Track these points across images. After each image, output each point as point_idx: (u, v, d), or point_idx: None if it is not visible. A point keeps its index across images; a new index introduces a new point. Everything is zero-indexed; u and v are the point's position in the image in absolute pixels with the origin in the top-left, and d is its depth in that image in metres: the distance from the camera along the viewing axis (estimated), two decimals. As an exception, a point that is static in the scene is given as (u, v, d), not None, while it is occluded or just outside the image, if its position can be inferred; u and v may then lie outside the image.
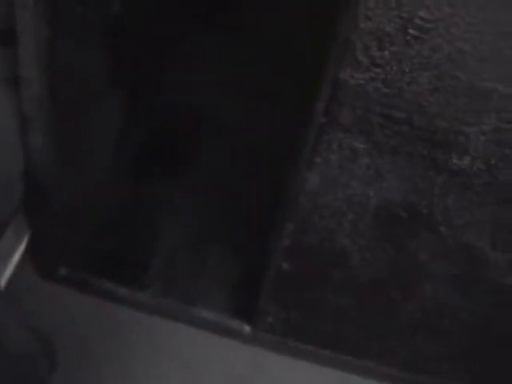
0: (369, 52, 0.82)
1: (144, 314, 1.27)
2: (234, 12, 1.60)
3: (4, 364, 0.86)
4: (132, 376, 1.21)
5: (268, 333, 1.24)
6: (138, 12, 1.15)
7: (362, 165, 0.93)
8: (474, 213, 0.96)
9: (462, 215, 0.97)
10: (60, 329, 1.23)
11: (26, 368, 0.95)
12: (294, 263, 1.09)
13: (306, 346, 1.25)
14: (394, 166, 0.92)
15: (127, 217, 1.33)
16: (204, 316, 1.26)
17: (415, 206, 0.97)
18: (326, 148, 0.91)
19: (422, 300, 1.10)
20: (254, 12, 1.57)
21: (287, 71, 1.51)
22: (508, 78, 0.82)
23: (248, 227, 1.35)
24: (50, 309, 1.29)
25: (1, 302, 0.92)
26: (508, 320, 1.09)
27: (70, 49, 0.99)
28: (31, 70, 0.93)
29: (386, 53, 0.82)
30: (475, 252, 1.01)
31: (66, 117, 1.03)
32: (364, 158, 0.92)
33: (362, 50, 0.82)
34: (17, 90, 0.99)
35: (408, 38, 0.80)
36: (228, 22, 1.60)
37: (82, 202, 1.27)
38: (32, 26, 0.89)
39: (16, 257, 1.27)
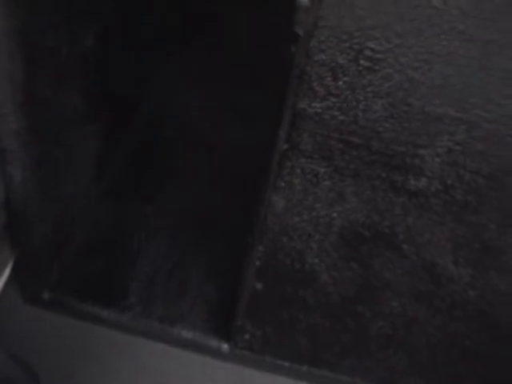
0: (324, 82, 0.86)
1: (126, 335, 1.30)
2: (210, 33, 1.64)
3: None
4: (114, 396, 1.24)
5: (246, 350, 1.27)
6: (112, 42, 1.19)
7: (325, 188, 0.97)
8: (434, 231, 1.00)
9: (424, 234, 1.00)
10: (42, 352, 1.26)
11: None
12: (267, 283, 1.12)
13: (283, 362, 1.28)
14: (356, 188, 0.96)
15: (107, 241, 1.36)
16: (184, 336, 1.29)
17: (378, 225, 1.00)
18: (289, 173, 0.95)
19: (390, 316, 1.13)
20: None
21: (257, 93, 1.54)
22: (457, 102, 0.86)
23: (224, 249, 1.38)
24: (33, 332, 1.32)
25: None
26: (472, 332, 1.13)
27: (45, 83, 1.02)
28: (7, 106, 0.97)
29: (341, 83, 0.86)
30: (438, 268, 1.05)
31: (45, 148, 1.06)
32: (326, 181, 0.96)
33: (317, 80, 0.86)
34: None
35: (360, 68, 0.85)
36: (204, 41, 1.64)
37: (63, 227, 1.30)
38: (6, 63, 0.93)
39: (0, 282, 1.30)
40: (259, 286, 1.13)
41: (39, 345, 1.29)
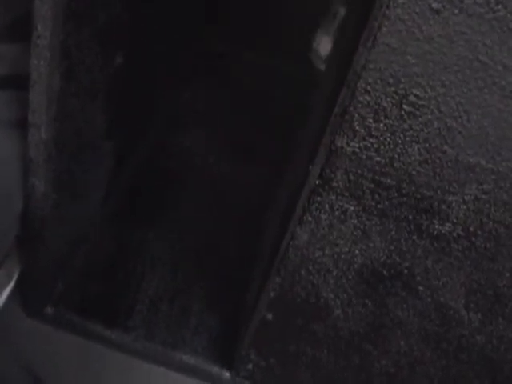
0: (365, 123, 0.86)
1: (127, 356, 1.28)
2: (228, 66, 1.65)
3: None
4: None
5: (248, 380, 1.26)
6: (137, 63, 1.19)
7: (351, 225, 0.97)
8: (451, 275, 1.00)
9: (440, 277, 1.01)
10: (42, 366, 1.24)
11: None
12: (278, 314, 1.12)
13: (284, 394, 1.28)
14: (381, 228, 0.96)
15: (113, 262, 1.35)
16: (185, 361, 1.27)
17: (397, 265, 1.00)
18: (317, 208, 0.95)
19: (396, 355, 1.13)
20: (249, 75, 1.61)
21: (261, 130, 1.55)
22: (490, 154, 0.87)
23: (230, 276, 1.38)
24: (34, 346, 1.30)
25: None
26: (476, 376, 1.13)
27: (77, 98, 1.02)
28: (41, 116, 0.96)
29: (381, 125, 0.86)
30: (450, 311, 1.05)
31: (66, 163, 1.05)
32: (353, 219, 0.96)
33: (358, 120, 0.86)
34: (21, 134, 1.02)
35: (402, 112, 0.85)
36: (222, 74, 1.65)
37: (71, 245, 1.28)
38: (46, 76, 0.92)
39: (4, 295, 1.28)
40: (269, 316, 1.12)
41: (40, 359, 1.27)
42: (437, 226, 0.94)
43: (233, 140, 1.51)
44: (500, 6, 0.76)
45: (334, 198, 0.92)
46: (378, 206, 0.93)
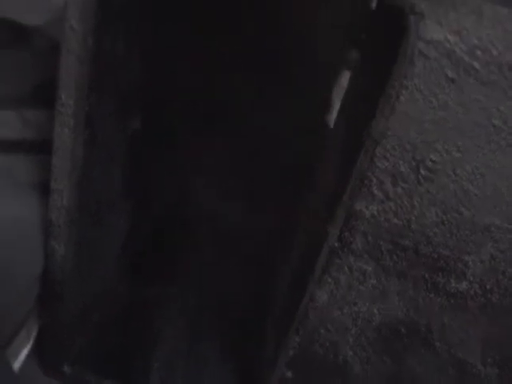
0: (383, 187, 0.88)
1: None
2: (237, 119, 1.66)
3: None
4: None
5: None
6: (152, 127, 1.20)
7: (369, 285, 0.97)
8: (468, 331, 1.01)
9: (458, 333, 1.01)
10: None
11: None
12: (298, 372, 1.12)
13: None
14: (399, 287, 0.97)
15: (129, 318, 1.35)
16: (203, 418, 1.27)
17: (415, 323, 1.01)
18: (336, 270, 0.96)
19: (414, 410, 1.13)
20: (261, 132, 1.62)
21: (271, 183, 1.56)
22: (505, 214, 0.88)
23: (245, 331, 1.38)
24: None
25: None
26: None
27: (99, 163, 1.03)
28: (63, 182, 0.97)
29: (399, 189, 0.88)
30: (467, 367, 1.05)
31: (86, 225, 1.06)
32: (372, 279, 0.96)
33: (377, 185, 0.88)
34: (42, 197, 1.03)
35: (419, 177, 0.86)
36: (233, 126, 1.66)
37: (88, 302, 1.29)
38: (69, 143, 0.94)
39: (23, 354, 1.27)
40: (289, 374, 1.12)
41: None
42: (454, 284, 0.95)
43: (245, 190, 1.52)
44: (513, 74, 0.78)
45: (353, 259, 0.93)
46: (396, 266, 0.94)
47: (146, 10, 0.96)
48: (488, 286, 0.95)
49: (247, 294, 1.44)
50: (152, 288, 1.40)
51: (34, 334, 1.30)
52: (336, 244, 0.94)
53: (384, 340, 1.04)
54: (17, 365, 1.26)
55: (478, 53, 0.76)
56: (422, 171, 0.85)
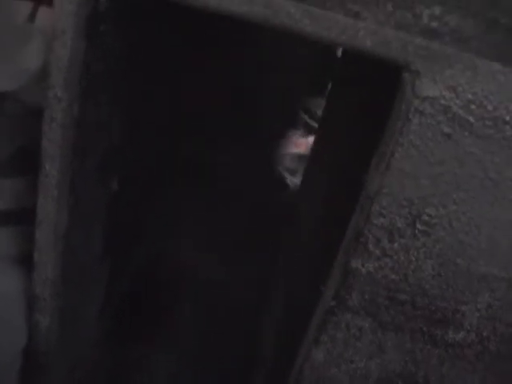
0: (380, 244, 0.86)
1: None
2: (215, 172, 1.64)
3: None
4: None
5: None
6: (130, 187, 1.17)
7: (366, 341, 0.95)
8: (466, 379, 0.99)
9: (456, 382, 1.00)
10: None
11: None
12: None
13: None
14: (396, 341, 0.95)
15: (112, 381, 1.30)
16: None
17: (413, 375, 0.99)
18: (333, 327, 0.94)
19: None
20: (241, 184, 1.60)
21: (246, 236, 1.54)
22: (501, 263, 0.88)
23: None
24: None
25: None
26: None
27: (80, 231, 0.99)
28: (47, 254, 0.93)
29: (396, 244, 0.86)
30: (465, 415, 1.04)
31: (69, 294, 1.02)
32: (368, 334, 0.94)
33: (373, 242, 0.86)
34: (24, 270, 0.98)
35: (416, 231, 0.85)
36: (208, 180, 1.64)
37: (71, 368, 1.24)
38: (53, 214, 0.90)
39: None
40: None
41: None
42: (451, 335, 0.94)
43: (223, 243, 1.49)
44: (508, 127, 0.77)
45: (349, 316, 0.91)
46: (394, 320, 0.92)
47: (125, 75, 0.93)
48: (485, 334, 0.94)
49: (232, 351, 1.41)
50: (133, 349, 1.36)
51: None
52: (332, 303, 0.91)
53: (382, 394, 1.02)
54: None
55: (473, 107, 0.76)
56: (419, 226, 0.84)
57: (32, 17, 1.27)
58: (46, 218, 0.88)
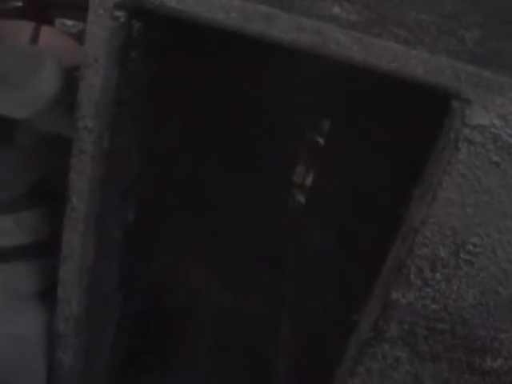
0: (422, 274, 0.83)
1: None
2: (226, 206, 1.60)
3: None
4: None
5: None
6: (145, 218, 1.13)
7: (403, 371, 0.92)
8: (502, 406, 0.97)
9: (491, 409, 0.97)
10: None
11: None
12: None
13: None
14: (433, 370, 0.92)
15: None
16: None
17: (449, 404, 0.96)
18: (369, 359, 0.90)
19: None
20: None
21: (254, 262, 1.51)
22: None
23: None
24: None
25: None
26: None
27: (102, 263, 0.95)
28: (71, 291, 0.88)
29: (438, 274, 0.83)
30: None
31: (93, 332, 0.98)
32: (405, 364, 0.91)
33: (415, 272, 0.83)
34: (44, 306, 0.94)
35: (459, 261, 0.82)
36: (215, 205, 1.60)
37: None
38: (79, 250, 0.85)
39: None
40: None
41: None
42: (489, 363, 0.91)
43: (235, 275, 1.46)
44: (556, 153, 0.75)
45: (387, 347, 0.88)
46: (432, 350, 0.89)
47: (150, 101, 0.89)
48: (523, 361, 0.91)
49: (244, 377, 1.37)
50: (145, 379, 1.31)
51: None
52: (370, 334, 0.88)
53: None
54: None
55: (523, 135, 0.73)
56: (462, 255, 0.81)
57: (35, 37, 1.22)
58: (72, 253, 0.83)
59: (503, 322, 0.87)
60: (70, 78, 1.03)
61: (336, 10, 0.72)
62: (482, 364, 0.91)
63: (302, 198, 1.59)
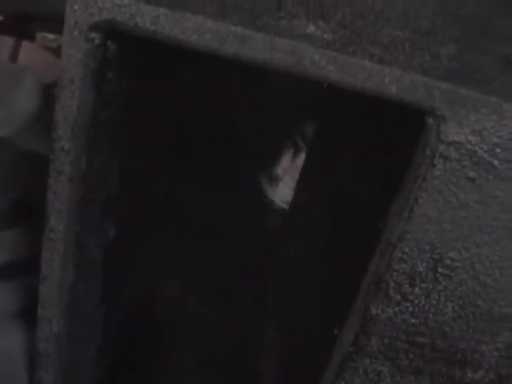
0: (401, 289, 0.83)
1: None
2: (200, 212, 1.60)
3: None
4: None
5: None
6: (127, 233, 1.13)
7: (385, 385, 0.92)
8: (483, 418, 0.97)
9: (473, 421, 0.97)
10: None
11: None
12: None
13: None
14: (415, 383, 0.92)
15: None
16: None
17: (430, 416, 0.96)
18: (350, 373, 0.90)
19: None
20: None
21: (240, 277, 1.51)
22: (522, 302, 0.85)
23: None
24: None
25: None
26: None
27: (82, 281, 0.95)
28: (52, 310, 0.88)
29: (417, 289, 0.83)
30: None
31: (73, 351, 0.97)
32: (387, 379, 0.91)
33: (394, 287, 0.83)
34: (24, 325, 0.93)
35: (437, 275, 0.82)
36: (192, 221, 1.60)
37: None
38: (58, 270, 0.85)
39: None
40: None
41: None
42: (469, 374, 0.91)
43: (211, 286, 1.45)
44: (532, 169, 0.75)
45: (368, 361, 0.88)
46: (412, 363, 0.89)
47: (125, 121, 0.89)
48: (503, 372, 0.92)
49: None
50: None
51: None
52: (350, 349, 0.88)
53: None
54: None
55: (499, 151, 0.73)
56: (441, 270, 0.81)
57: (14, 53, 1.22)
58: (51, 273, 0.83)
59: (483, 334, 0.87)
60: (50, 95, 1.02)
61: (311, 28, 0.72)
62: (462, 376, 0.92)
63: (281, 214, 1.59)
